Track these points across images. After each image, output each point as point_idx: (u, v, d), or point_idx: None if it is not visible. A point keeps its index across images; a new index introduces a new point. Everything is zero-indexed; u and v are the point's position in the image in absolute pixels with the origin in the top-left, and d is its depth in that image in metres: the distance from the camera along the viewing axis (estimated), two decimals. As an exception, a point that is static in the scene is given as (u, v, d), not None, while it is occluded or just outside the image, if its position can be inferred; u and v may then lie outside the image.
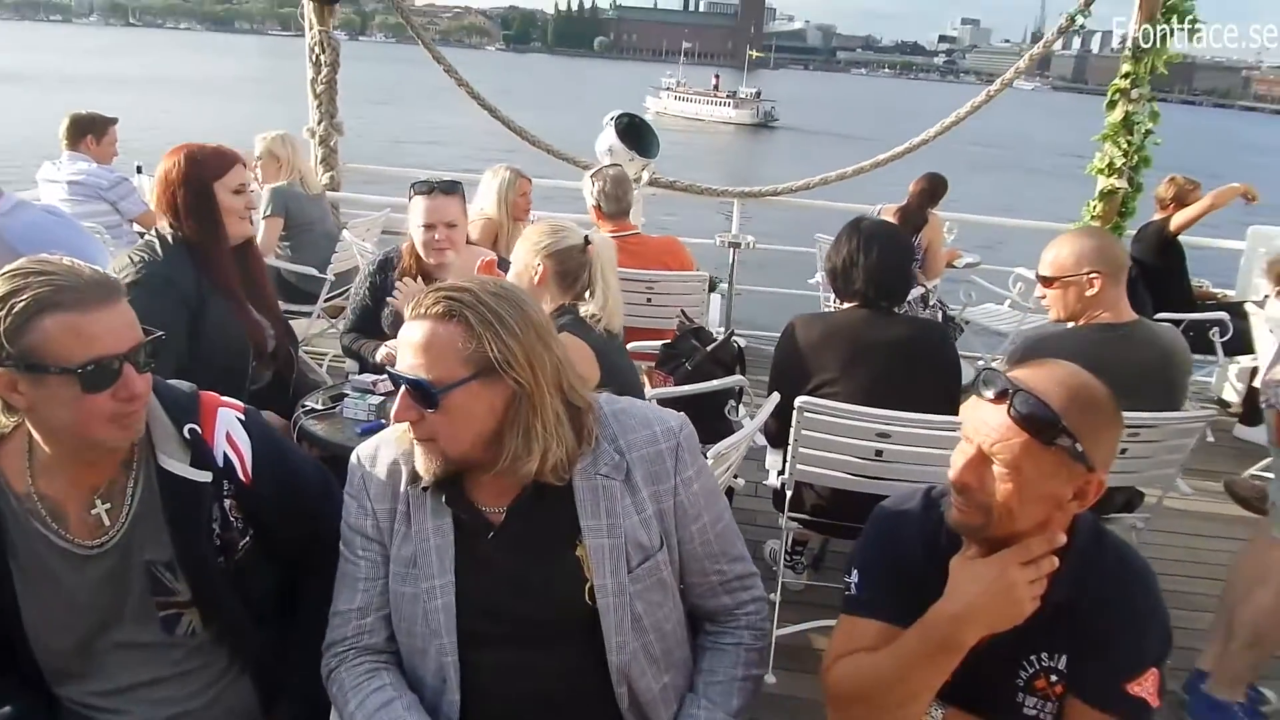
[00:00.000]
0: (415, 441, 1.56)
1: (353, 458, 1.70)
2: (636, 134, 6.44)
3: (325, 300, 5.27)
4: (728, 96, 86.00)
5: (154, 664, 1.67)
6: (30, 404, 1.48)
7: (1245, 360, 5.71)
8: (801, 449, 2.91)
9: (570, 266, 2.82)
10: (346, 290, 5.30)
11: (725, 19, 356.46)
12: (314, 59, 6.65)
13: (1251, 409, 5.25)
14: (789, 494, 3.00)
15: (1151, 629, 1.51)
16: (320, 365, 5.18)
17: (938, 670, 1.52)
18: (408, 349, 1.53)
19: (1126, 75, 5.98)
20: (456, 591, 1.59)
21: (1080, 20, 6.34)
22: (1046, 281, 2.88)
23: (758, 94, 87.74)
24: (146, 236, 2.86)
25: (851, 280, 3.01)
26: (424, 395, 1.50)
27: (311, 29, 6.58)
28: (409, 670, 1.67)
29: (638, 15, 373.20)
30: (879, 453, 2.86)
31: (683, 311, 4.04)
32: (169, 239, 2.78)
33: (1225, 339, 5.34)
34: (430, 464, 1.56)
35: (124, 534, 1.62)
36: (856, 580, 1.67)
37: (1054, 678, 1.55)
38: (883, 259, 2.97)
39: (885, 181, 6.93)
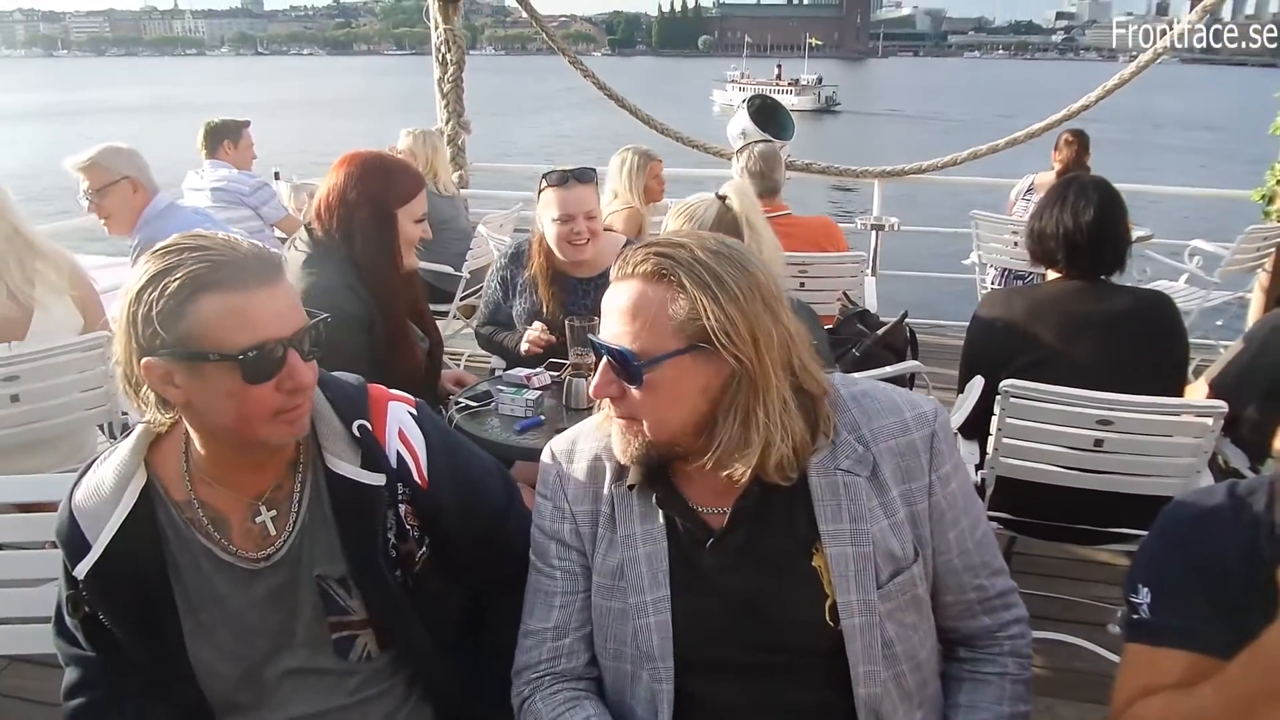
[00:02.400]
0: (614, 420, 1.34)
1: (545, 453, 1.49)
2: (770, 115, 6.17)
3: (461, 299, 5.16)
4: (790, 84, 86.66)
5: (330, 693, 1.48)
6: (188, 398, 1.30)
7: None
8: (1005, 439, 2.57)
9: (731, 231, 2.60)
10: (481, 289, 5.21)
11: (831, 9, 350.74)
12: (440, 58, 6.60)
13: None
14: (989, 490, 2.66)
15: None
16: (458, 364, 5.08)
17: None
18: (611, 314, 1.31)
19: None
20: (671, 608, 1.35)
21: None
22: None
23: (819, 80, 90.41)
24: (298, 252, 2.46)
25: (1067, 245, 2.62)
26: (627, 368, 1.28)
27: (438, 28, 6.52)
28: (613, 700, 1.43)
29: (741, 11, 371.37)
30: (1098, 442, 2.49)
31: (845, 294, 3.74)
32: (339, 257, 2.41)
33: None
34: (629, 448, 1.34)
35: (292, 545, 1.42)
36: (1150, 601, 1.33)
37: None
38: (1107, 220, 2.58)
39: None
